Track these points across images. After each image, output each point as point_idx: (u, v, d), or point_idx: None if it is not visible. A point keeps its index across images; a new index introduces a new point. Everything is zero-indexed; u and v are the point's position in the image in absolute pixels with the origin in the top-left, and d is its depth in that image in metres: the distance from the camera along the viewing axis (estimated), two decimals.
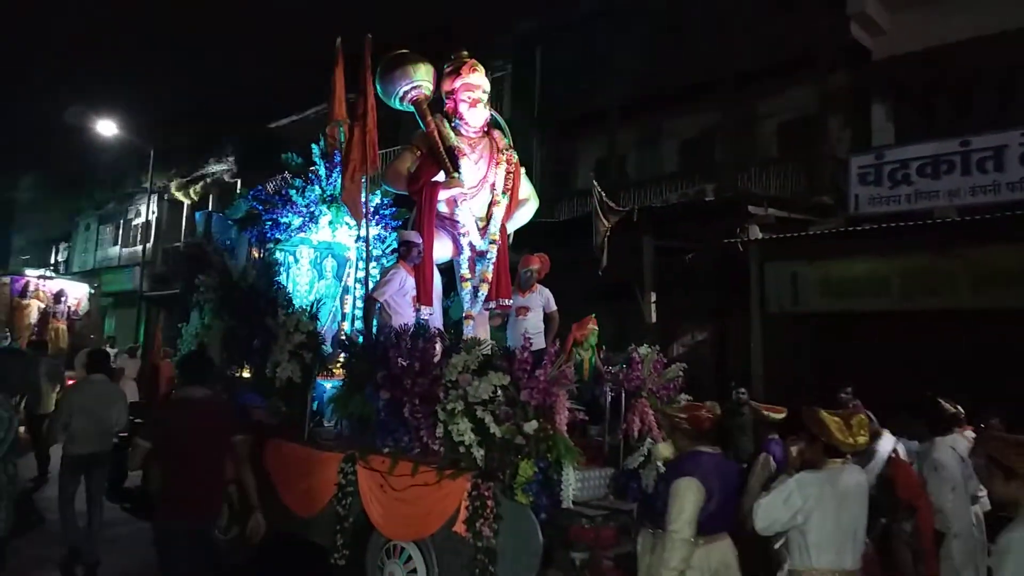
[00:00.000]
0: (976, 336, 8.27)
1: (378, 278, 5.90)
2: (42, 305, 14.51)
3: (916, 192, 9.55)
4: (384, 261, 6.98)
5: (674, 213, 10.76)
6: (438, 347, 4.65)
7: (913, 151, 9.71)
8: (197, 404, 3.88)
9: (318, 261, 7.11)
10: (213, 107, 22.27)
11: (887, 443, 5.09)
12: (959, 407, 5.03)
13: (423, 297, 5.54)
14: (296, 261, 7.00)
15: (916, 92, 10.85)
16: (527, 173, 6.40)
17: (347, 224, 6.97)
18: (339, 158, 6.54)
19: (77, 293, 15.40)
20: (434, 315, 5.59)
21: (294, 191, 6.82)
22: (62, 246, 30.59)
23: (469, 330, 5.76)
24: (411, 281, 5.65)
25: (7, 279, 14.59)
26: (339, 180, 6.42)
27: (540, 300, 6.49)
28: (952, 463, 4.66)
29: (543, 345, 5.79)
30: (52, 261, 30.00)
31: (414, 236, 5.73)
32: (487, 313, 5.95)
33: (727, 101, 12.44)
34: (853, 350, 9.14)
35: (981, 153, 9.14)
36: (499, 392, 4.22)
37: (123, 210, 26.82)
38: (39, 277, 15.24)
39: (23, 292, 14.41)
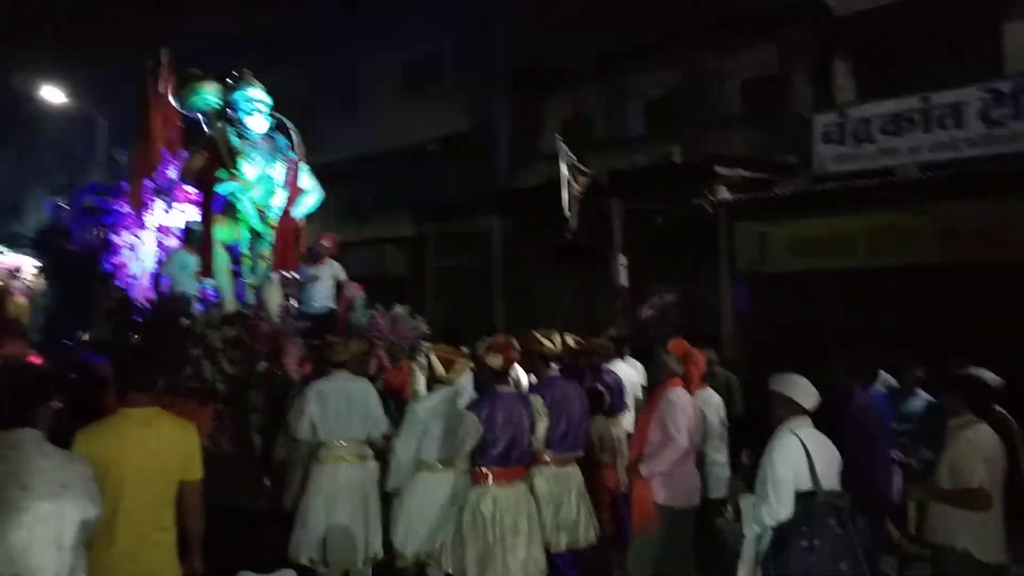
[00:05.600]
0: (941, 292, 8.47)
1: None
2: None
3: (879, 150, 9.65)
4: None
5: (643, 175, 10.75)
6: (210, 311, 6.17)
7: (875, 109, 9.78)
8: None
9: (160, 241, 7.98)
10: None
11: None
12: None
13: (204, 271, 6.84)
14: (143, 242, 8.07)
15: (876, 49, 10.90)
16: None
17: (181, 210, 7.94)
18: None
19: (34, 268, 14.91)
20: (220, 285, 6.86)
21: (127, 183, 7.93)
22: (14, 219, 29.60)
23: (249, 296, 7.07)
24: (192, 259, 6.93)
25: None
26: (169, 173, 7.57)
27: (330, 271, 7.95)
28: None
29: (332, 308, 7.73)
30: (4, 235, 29.03)
31: (193, 223, 7.10)
32: (277, 281, 7.06)
33: (689, 60, 12.37)
34: (821, 308, 9.31)
35: (941, 110, 9.24)
36: (227, 342, 5.67)
37: (74, 180, 25.98)
38: None
39: None
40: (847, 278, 9.16)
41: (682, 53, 12.23)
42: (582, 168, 10.47)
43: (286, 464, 5.27)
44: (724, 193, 10.03)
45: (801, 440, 3.41)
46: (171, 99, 7.45)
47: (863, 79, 10.91)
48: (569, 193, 10.07)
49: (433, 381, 4.65)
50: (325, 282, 7.93)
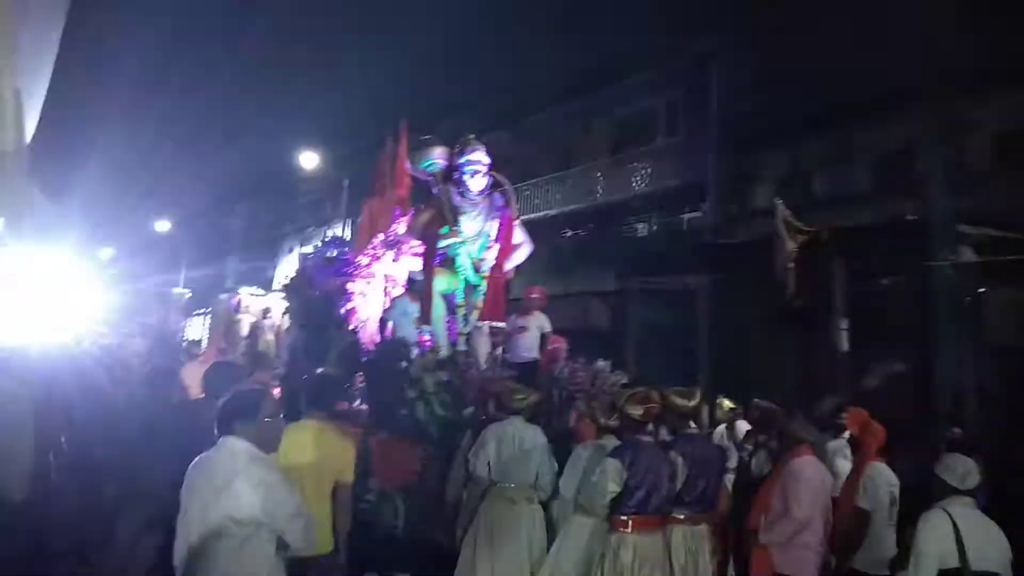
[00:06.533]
0: None
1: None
2: (253, 319, 16.09)
3: None
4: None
5: (871, 233, 9.94)
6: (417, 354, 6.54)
7: None
8: None
9: (387, 289, 8.63)
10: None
11: None
12: None
13: (424, 318, 7.25)
14: (372, 290, 8.72)
15: None
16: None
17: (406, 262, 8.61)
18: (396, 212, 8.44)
19: (282, 309, 16.93)
20: (436, 332, 7.30)
21: None
22: (271, 266, 33.95)
23: (461, 344, 7.49)
24: (414, 306, 7.32)
25: (224, 296, 16.38)
26: (397, 228, 8.18)
27: (536, 323, 8.01)
28: None
29: (536, 358, 7.74)
30: (263, 280, 33.38)
31: (415, 274, 7.55)
32: (487, 331, 7.39)
33: (930, 111, 11.32)
34: None
35: None
36: (439, 386, 5.95)
37: (320, 234, 29.33)
38: (251, 295, 16.95)
39: (237, 307, 16.08)
40: None
41: (922, 104, 11.25)
42: (800, 225, 9.92)
43: (461, 502, 5.45)
44: (969, 255, 8.94)
45: (953, 518, 3.47)
46: (404, 162, 8.29)
47: None
48: (784, 251, 9.56)
49: (600, 430, 4.88)
50: (531, 333, 8.14)
